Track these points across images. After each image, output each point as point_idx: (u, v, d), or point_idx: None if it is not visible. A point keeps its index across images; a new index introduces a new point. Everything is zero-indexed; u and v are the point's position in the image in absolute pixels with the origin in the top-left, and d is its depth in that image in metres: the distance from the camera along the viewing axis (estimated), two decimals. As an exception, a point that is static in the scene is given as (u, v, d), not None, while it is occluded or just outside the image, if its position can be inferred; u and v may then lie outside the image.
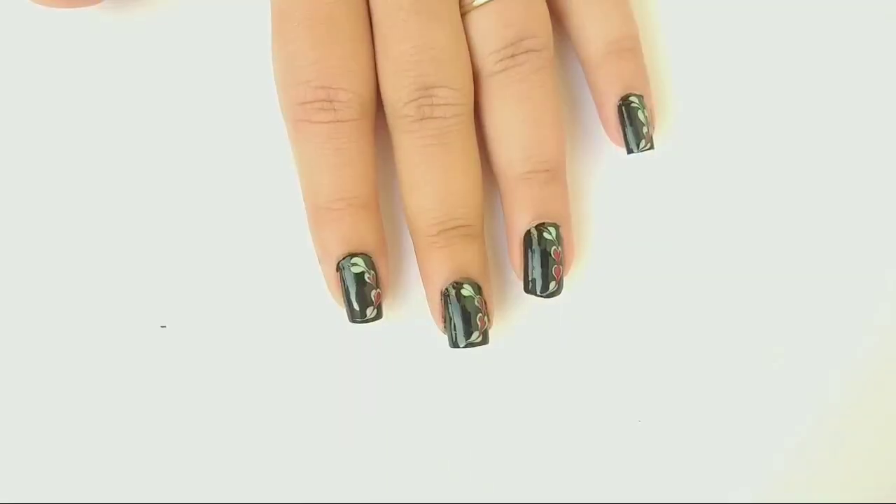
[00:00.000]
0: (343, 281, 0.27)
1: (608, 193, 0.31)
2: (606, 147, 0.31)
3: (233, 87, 0.30)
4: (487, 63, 0.28)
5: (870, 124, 0.32)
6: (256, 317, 0.29)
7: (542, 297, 0.28)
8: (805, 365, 0.30)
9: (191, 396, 0.28)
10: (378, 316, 0.27)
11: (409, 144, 0.27)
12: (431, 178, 0.27)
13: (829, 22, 0.32)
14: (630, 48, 0.29)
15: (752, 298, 0.30)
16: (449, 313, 0.27)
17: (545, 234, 0.28)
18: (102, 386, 0.28)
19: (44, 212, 0.28)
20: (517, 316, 0.29)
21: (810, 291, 0.30)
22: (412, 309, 0.29)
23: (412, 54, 0.27)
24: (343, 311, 0.27)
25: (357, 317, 0.27)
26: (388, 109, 0.28)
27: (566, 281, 0.29)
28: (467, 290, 0.27)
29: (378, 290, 0.27)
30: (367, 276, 0.27)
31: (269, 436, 0.28)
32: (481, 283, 0.27)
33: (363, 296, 0.27)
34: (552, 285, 0.28)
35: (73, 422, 0.28)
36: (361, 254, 0.27)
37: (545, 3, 0.29)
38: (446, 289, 0.27)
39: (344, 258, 0.27)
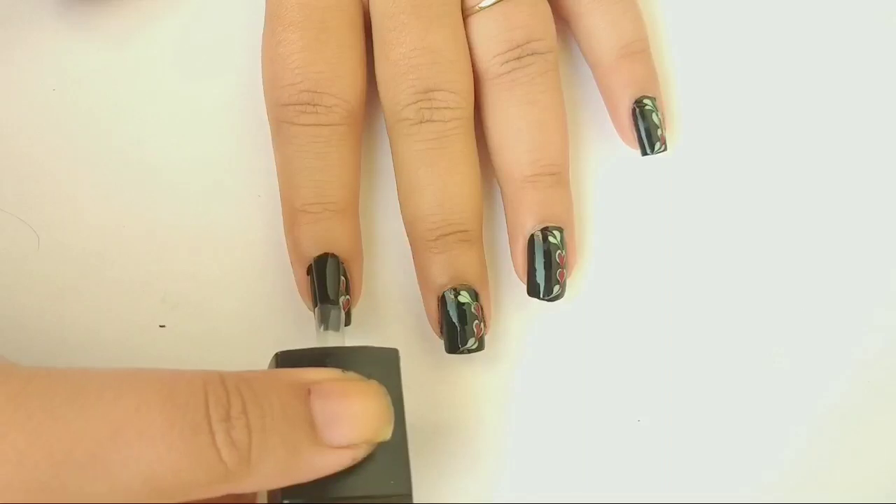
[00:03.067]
0: (311, 285, 0.27)
1: (609, 196, 0.30)
2: (606, 149, 0.30)
3: (222, 85, 0.30)
4: (492, 65, 0.28)
5: (875, 122, 0.31)
6: (245, 317, 0.29)
7: (545, 300, 0.28)
8: (806, 366, 0.30)
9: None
10: (346, 322, 0.27)
11: (407, 148, 0.27)
12: (430, 181, 0.27)
13: (831, 23, 0.32)
14: (641, 50, 0.29)
15: (753, 300, 0.30)
16: (445, 319, 0.27)
17: (550, 238, 0.28)
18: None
19: (39, 212, 0.29)
20: (517, 318, 0.29)
21: (811, 293, 0.30)
22: (409, 313, 0.29)
23: (411, 57, 0.27)
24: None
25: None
26: (387, 113, 0.28)
27: (568, 284, 0.28)
28: (464, 297, 0.27)
29: (347, 297, 0.27)
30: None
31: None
32: (479, 289, 0.27)
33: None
34: (556, 289, 0.28)
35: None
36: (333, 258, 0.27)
37: (549, 6, 0.29)
38: (443, 294, 0.27)
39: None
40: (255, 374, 0.21)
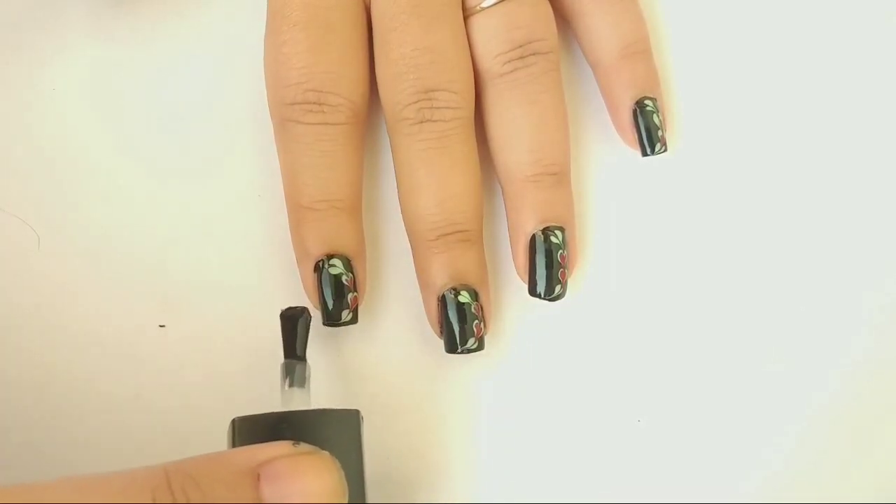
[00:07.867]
0: (319, 282, 0.27)
1: (610, 196, 0.31)
2: (607, 149, 0.31)
3: (222, 84, 0.30)
4: (494, 65, 0.28)
5: (875, 122, 0.31)
6: (245, 317, 0.29)
7: (546, 300, 0.28)
8: (805, 366, 0.30)
9: (180, 395, 0.28)
10: (353, 320, 0.27)
11: (408, 148, 0.27)
12: (430, 181, 0.27)
13: (831, 23, 0.32)
14: (643, 50, 0.29)
15: (752, 301, 0.30)
16: (445, 319, 0.27)
17: (552, 238, 0.28)
18: (100, 385, 0.28)
19: (39, 212, 0.29)
20: (517, 318, 0.29)
21: (810, 294, 0.30)
22: (409, 313, 0.29)
23: (412, 57, 0.27)
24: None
25: (332, 319, 0.27)
26: (388, 113, 0.28)
27: (569, 283, 0.28)
28: (464, 297, 0.27)
29: (355, 293, 0.27)
30: (344, 278, 0.27)
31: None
32: (479, 290, 0.27)
33: (339, 298, 0.27)
34: (557, 289, 0.28)
35: (71, 422, 0.28)
36: (340, 256, 0.27)
37: (550, 6, 0.29)
38: (443, 294, 0.27)
39: (322, 259, 0.27)
40: (201, 463, 0.20)
